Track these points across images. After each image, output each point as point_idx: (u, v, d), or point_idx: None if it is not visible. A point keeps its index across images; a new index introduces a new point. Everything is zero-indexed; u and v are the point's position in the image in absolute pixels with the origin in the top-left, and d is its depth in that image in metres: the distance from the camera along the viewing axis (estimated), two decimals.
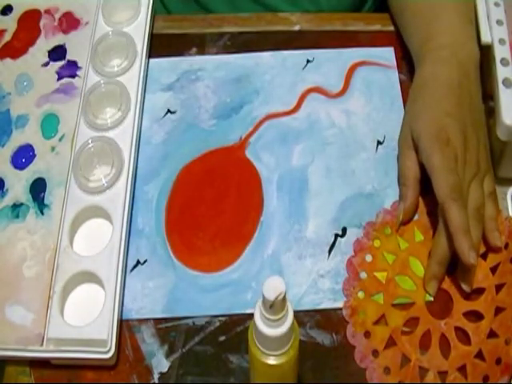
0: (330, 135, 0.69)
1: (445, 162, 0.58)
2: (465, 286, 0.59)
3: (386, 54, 0.73)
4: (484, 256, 0.60)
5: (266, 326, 0.46)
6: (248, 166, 0.67)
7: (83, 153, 0.65)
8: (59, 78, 0.71)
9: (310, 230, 0.64)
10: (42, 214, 0.63)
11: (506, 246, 0.61)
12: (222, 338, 0.59)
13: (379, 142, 0.68)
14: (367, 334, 0.58)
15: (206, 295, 0.61)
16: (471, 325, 0.58)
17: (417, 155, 0.62)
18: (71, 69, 0.71)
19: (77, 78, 0.71)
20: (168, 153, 0.68)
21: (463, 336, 0.58)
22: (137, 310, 0.60)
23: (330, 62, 0.73)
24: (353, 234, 0.63)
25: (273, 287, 0.44)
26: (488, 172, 0.62)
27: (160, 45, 0.75)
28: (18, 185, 0.65)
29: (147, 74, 0.72)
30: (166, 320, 0.60)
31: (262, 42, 0.74)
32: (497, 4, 0.67)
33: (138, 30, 0.73)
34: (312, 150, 0.68)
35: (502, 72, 0.63)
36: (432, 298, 0.60)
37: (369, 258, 0.61)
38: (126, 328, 0.60)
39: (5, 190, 0.65)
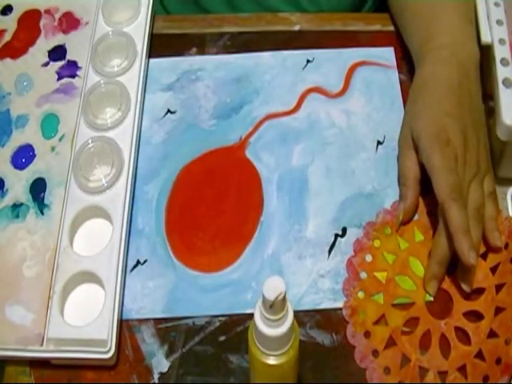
0: (330, 135, 0.69)
1: (445, 161, 0.58)
2: (465, 286, 0.59)
3: (386, 54, 0.73)
4: (484, 256, 0.60)
5: (266, 326, 0.46)
6: (248, 166, 0.67)
7: (83, 153, 0.65)
8: (59, 78, 0.71)
9: (309, 230, 0.64)
10: (42, 214, 0.63)
11: (506, 246, 0.61)
12: (222, 338, 0.59)
13: (379, 142, 0.68)
14: (367, 334, 0.58)
15: (206, 295, 0.61)
16: (471, 325, 0.58)
17: (417, 155, 0.62)
18: (71, 69, 0.71)
19: (77, 77, 0.71)
20: (168, 153, 0.68)
21: (463, 336, 0.58)
22: (137, 310, 0.60)
23: (330, 62, 0.73)
24: (353, 233, 0.63)
25: (273, 287, 0.44)
26: (488, 172, 0.62)
27: (160, 45, 0.75)
28: (18, 185, 0.65)
29: (147, 74, 0.72)
30: (166, 320, 0.60)
31: (262, 42, 0.74)
32: (497, 4, 0.67)
33: (138, 30, 0.73)
34: (312, 149, 0.68)
35: (501, 72, 0.63)
36: (432, 298, 0.60)
37: (369, 257, 0.61)
38: (126, 328, 0.60)
39: (5, 190, 0.65)
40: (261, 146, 0.68)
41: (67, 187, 0.64)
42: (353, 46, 0.74)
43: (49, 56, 0.72)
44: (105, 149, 0.65)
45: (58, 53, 0.72)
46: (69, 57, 0.72)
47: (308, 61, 0.73)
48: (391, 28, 0.75)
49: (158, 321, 0.60)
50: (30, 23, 0.75)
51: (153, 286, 0.61)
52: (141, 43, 0.72)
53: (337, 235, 0.63)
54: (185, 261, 0.63)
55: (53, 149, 0.67)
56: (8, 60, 0.72)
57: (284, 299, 0.44)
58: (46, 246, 0.62)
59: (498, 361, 0.57)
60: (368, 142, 0.68)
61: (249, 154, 0.68)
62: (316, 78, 0.72)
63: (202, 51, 0.74)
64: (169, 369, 0.58)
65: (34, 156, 0.66)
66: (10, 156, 0.67)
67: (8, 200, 0.64)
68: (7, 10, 0.76)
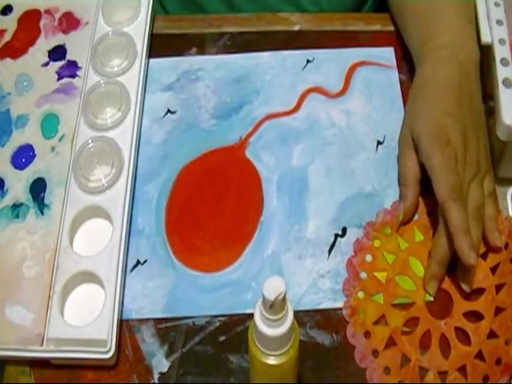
0: (330, 135, 0.69)
1: (445, 161, 0.58)
2: (465, 286, 0.59)
3: (386, 54, 0.73)
4: (484, 256, 0.60)
5: (266, 326, 0.46)
6: (248, 166, 0.67)
7: (83, 153, 0.65)
8: (59, 78, 0.71)
9: (309, 230, 0.64)
10: (42, 214, 0.63)
11: (506, 246, 0.61)
12: (222, 338, 0.59)
13: (379, 142, 0.68)
14: (367, 334, 0.58)
15: (205, 295, 0.61)
16: (471, 325, 0.58)
17: (417, 155, 0.62)
18: (71, 69, 0.71)
19: (77, 78, 0.71)
20: (168, 153, 0.68)
21: (463, 336, 0.58)
22: (137, 310, 0.60)
23: (330, 62, 0.73)
24: (353, 233, 0.63)
25: (273, 287, 0.44)
26: (488, 172, 0.62)
27: (160, 45, 0.75)
28: (18, 185, 0.65)
29: (147, 74, 0.72)
30: (166, 320, 0.60)
31: (262, 42, 0.74)
32: (497, 4, 0.67)
33: (138, 30, 0.72)
34: (312, 149, 0.68)
35: (501, 72, 0.63)
36: (432, 298, 0.60)
37: (369, 258, 0.61)
38: (126, 328, 0.60)
39: (5, 190, 0.65)
40: (261, 146, 0.68)
41: (67, 187, 0.64)
42: (353, 46, 0.74)
43: (49, 56, 0.72)
44: (105, 149, 0.65)
45: (57, 53, 0.72)
46: (69, 57, 0.72)
47: (308, 61, 0.73)
48: (391, 28, 0.75)
49: (157, 321, 0.60)
50: (30, 23, 0.75)
51: (153, 286, 0.61)
52: (141, 43, 0.72)
53: (337, 235, 0.63)
54: (185, 261, 0.63)
55: (53, 149, 0.67)
56: (8, 60, 0.72)
57: (284, 299, 0.44)
58: (46, 246, 0.62)
59: (498, 361, 0.57)
60: (368, 142, 0.68)
61: (249, 154, 0.68)
62: (316, 78, 0.72)
63: (202, 51, 0.74)
64: (169, 369, 0.58)
65: (34, 156, 0.66)
66: (10, 156, 0.67)
67: (8, 200, 0.64)
68: (7, 10, 0.76)
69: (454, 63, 0.63)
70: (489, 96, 0.65)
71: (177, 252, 0.63)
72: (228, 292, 0.61)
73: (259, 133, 0.69)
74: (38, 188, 0.65)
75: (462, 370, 0.57)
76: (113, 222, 0.62)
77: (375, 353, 0.58)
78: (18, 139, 0.67)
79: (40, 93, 0.70)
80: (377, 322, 0.59)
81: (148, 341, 0.59)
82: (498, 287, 0.59)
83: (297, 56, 0.74)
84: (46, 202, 0.64)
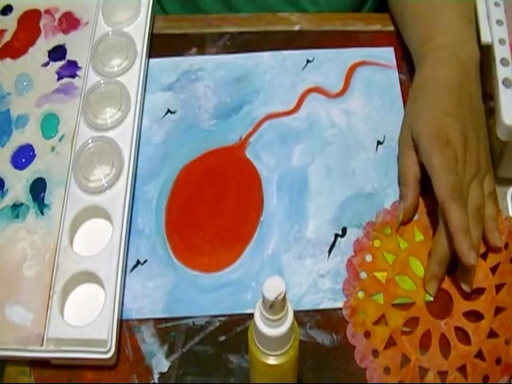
0: (330, 135, 0.69)
1: (445, 162, 0.58)
2: (465, 286, 0.59)
3: (386, 54, 0.73)
4: (484, 256, 0.60)
5: (266, 326, 0.46)
6: (248, 166, 0.67)
7: (83, 153, 0.65)
8: (59, 78, 0.71)
9: (310, 229, 0.64)
10: (42, 214, 0.63)
11: (506, 246, 0.61)
12: (222, 338, 0.59)
13: (379, 142, 0.68)
14: (367, 334, 0.58)
15: (205, 295, 0.61)
16: (471, 325, 0.58)
17: (417, 155, 0.62)
18: (71, 69, 0.71)
19: (77, 77, 0.71)
20: (168, 153, 0.68)
21: (463, 336, 0.58)
22: (137, 310, 0.60)
23: (330, 62, 0.73)
24: (353, 233, 0.63)
25: (273, 287, 0.44)
26: (488, 172, 0.62)
27: (160, 45, 0.75)
28: (18, 185, 0.65)
29: (147, 74, 0.72)
30: (166, 320, 0.60)
31: (262, 41, 0.74)
32: (497, 4, 0.67)
33: (138, 29, 0.72)
34: (312, 149, 0.68)
35: (501, 72, 0.63)
36: (432, 298, 0.60)
37: (369, 258, 0.61)
38: (126, 328, 0.60)
39: (5, 190, 0.65)
40: (261, 146, 0.68)
41: (67, 187, 0.64)
42: (353, 46, 0.74)
43: (49, 56, 0.72)
44: (105, 149, 0.65)
45: (58, 53, 0.72)
46: (69, 57, 0.72)
47: (308, 61, 0.73)
48: (391, 28, 0.75)
49: (157, 321, 0.60)
50: (30, 23, 0.75)
51: (153, 286, 0.61)
52: (141, 43, 0.72)
53: (337, 235, 0.63)
54: (185, 261, 0.63)
55: (53, 149, 0.67)
56: (8, 60, 0.72)
57: (284, 299, 0.44)
58: (46, 246, 0.62)
59: (498, 361, 0.57)
60: (368, 142, 0.68)
61: (249, 154, 0.68)
62: (316, 78, 0.72)
63: (201, 51, 0.74)
64: (169, 369, 0.58)
65: (34, 156, 0.66)
66: (10, 156, 0.67)
67: (8, 200, 0.64)
68: (7, 9, 0.76)
69: (454, 63, 0.63)
70: (489, 96, 0.65)
71: (177, 252, 0.63)
72: (228, 292, 0.61)
73: (259, 133, 0.69)
74: (38, 188, 0.65)
75: (462, 369, 0.57)
76: (113, 222, 0.62)
77: (375, 353, 0.58)
78: (18, 139, 0.67)
79: (40, 93, 0.70)
80: (377, 322, 0.59)
81: (148, 341, 0.59)
82: (498, 287, 0.59)
83: (297, 56, 0.74)
84: (46, 201, 0.64)
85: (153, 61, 0.74)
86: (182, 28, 0.76)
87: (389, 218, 0.63)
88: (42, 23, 0.75)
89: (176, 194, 0.66)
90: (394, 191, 0.65)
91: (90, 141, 0.66)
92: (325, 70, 0.73)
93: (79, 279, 0.60)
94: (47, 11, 0.75)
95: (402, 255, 0.61)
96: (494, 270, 0.60)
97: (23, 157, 0.66)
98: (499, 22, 0.66)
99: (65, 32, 0.74)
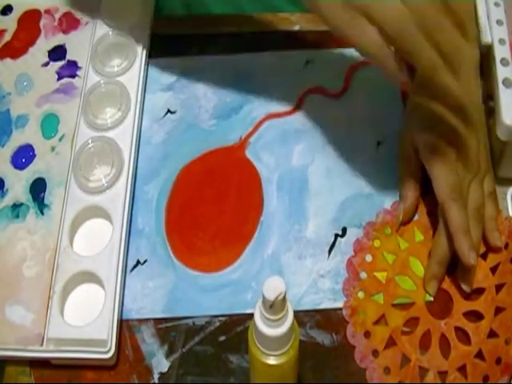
0: (330, 135, 0.69)
1: (445, 161, 0.58)
2: (465, 286, 0.59)
3: None
4: (484, 256, 0.60)
5: (266, 326, 0.46)
6: (248, 166, 0.67)
7: (83, 153, 0.65)
8: (59, 78, 0.71)
9: (310, 230, 0.64)
10: (42, 214, 0.63)
11: (506, 245, 0.61)
12: (222, 338, 0.59)
13: (379, 142, 0.68)
14: (367, 334, 0.58)
15: (205, 295, 0.61)
16: (471, 325, 0.58)
17: (416, 155, 0.62)
18: (71, 69, 0.71)
19: (77, 77, 0.71)
20: (168, 153, 0.68)
21: (463, 336, 0.58)
22: (137, 310, 0.60)
23: (330, 62, 0.73)
24: (353, 233, 0.63)
25: (273, 287, 0.44)
26: (488, 172, 0.62)
27: (160, 45, 0.74)
28: (18, 185, 0.65)
29: (147, 74, 0.72)
30: (166, 320, 0.60)
31: (262, 42, 0.74)
32: (497, 4, 0.67)
33: (138, 30, 0.72)
34: (312, 149, 0.68)
35: (502, 72, 0.63)
36: (432, 298, 0.60)
37: (369, 258, 0.61)
38: (126, 328, 0.60)
39: (5, 189, 0.65)
40: (261, 146, 0.68)
41: (67, 187, 0.64)
42: (353, 46, 0.74)
43: (49, 56, 0.72)
44: (105, 149, 0.65)
45: (58, 53, 0.72)
46: (69, 57, 0.72)
47: (308, 61, 0.73)
48: None
49: (157, 321, 0.60)
50: (30, 23, 0.75)
51: (153, 286, 0.61)
52: (141, 43, 0.71)
53: (337, 235, 0.63)
54: (185, 261, 0.63)
55: (53, 149, 0.67)
56: (8, 60, 0.72)
57: (284, 299, 0.44)
58: (46, 246, 0.62)
59: (498, 361, 0.57)
60: (368, 141, 0.68)
61: (249, 153, 0.68)
62: (316, 78, 0.72)
63: (202, 51, 0.74)
64: (169, 369, 0.58)
65: (33, 156, 0.66)
66: (10, 156, 0.67)
67: (8, 200, 0.64)
68: (7, 10, 0.76)
69: None
70: (489, 96, 0.65)
71: (177, 252, 0.63)
72: (228, 292, 0.61)
73: (259, 133, 0.69)
74: (38, 188, 0.65)
75: (462, 369, 0.57)
76: (113, 222, 0.62)
77: (375, 353, 0.58)
78: (17, 139, 0.67)
79: (40, 93, 0.70)
80: (377, 322, 0.59)
81: (148, 341, 0.59)
82: (498, 287, 0.59)
83: (297, 56, 0.73)
84: (46, 202, 0.64)
85: (153, 61, 0.74)
86: (182, 28, 0.76)
87: (389, 218, 0.63)
88: (41, 23, 0.74)
89: (176, 194, 0.66)
90: (393, 191, 0.65)
91: (90, 141, 0.66)
92: (325, 70, 0.72)
93: (79, 279, 0.60)
94: (47, 11, 0.75)
95: (402, 255, 0.61)
96: (494, 269, 0.60)
97: (23, 157, 0.66)
98: (499, 22, 0.66)
99: (65, 32, 0.74)
